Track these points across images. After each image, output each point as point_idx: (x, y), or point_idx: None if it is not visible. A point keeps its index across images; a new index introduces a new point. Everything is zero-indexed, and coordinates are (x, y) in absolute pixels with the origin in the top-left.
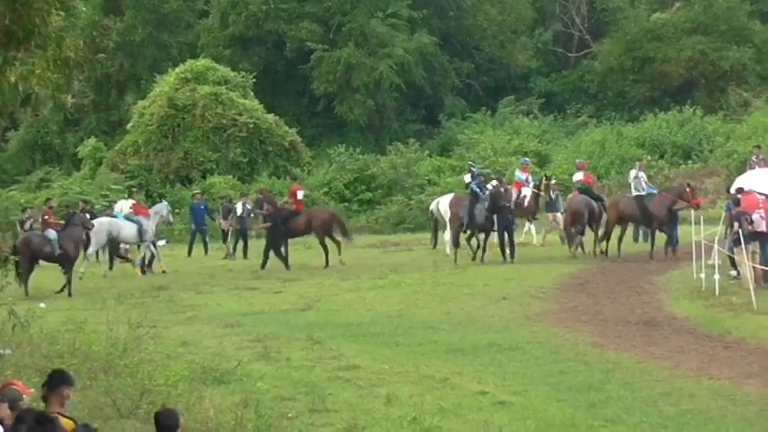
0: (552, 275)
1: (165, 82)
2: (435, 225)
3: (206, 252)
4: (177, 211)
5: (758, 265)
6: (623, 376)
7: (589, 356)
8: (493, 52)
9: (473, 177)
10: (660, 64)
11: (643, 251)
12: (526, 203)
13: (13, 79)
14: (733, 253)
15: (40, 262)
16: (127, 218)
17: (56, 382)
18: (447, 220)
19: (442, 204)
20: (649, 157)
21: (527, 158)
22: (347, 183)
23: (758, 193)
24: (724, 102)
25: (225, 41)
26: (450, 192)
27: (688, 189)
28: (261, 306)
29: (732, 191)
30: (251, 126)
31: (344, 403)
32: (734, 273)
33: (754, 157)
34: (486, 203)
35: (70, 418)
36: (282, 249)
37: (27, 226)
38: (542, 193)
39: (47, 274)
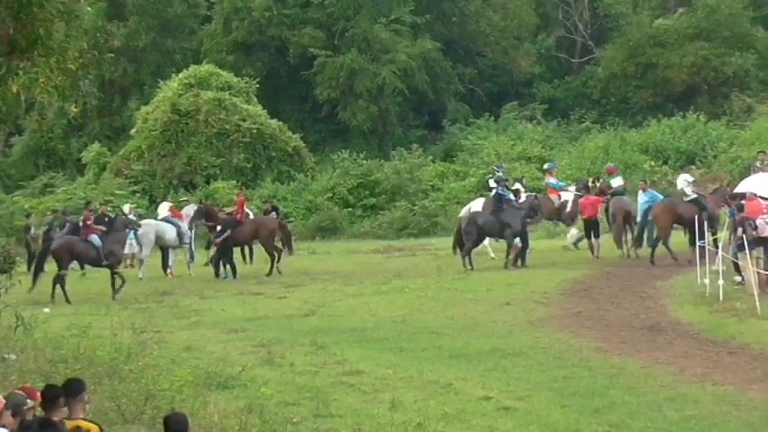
0: (556, 281)
1: (169, 87)
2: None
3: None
4: None
5: (762, 271)
6: (627, 381)
7: (593, 362)
8: (496, 58)
9: (498, 182)
10: (663, 70)
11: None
12: (569, 208)
13: (15, 89)
14: (737, 258)
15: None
16: (165, 221)
17: (75, 389)
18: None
19: (475, 209)
20: (653, 163)
21: (553, 162)
22: (351, 188)
23: (761, 198)
24: (727, 107)
25: (228, 47)
26: (455, 197)
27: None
28: (265, 311)
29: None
30: (254, 131)
31: (348, 408)
32: (738, 278)
33: (758, 163)
34: (516, 209)
35: (93, 422)
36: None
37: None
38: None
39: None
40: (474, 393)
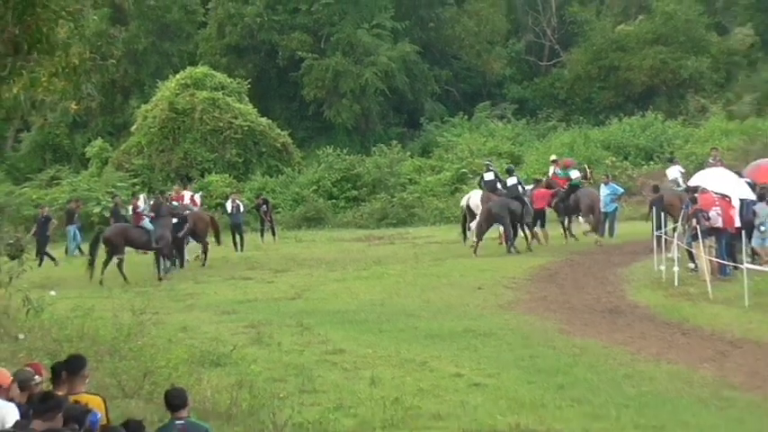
0: (524, 267)
1: (167, 87)
2: (464, 220)
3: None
4: None
5: (714, 259)
6: (589, 360)
7: (557, 342)
8: (470, 61)
9: (497, 176)
10: (624, 72)
11: (607, 244)
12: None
13: (15, 90)
14: (691, 247)
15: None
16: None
17: (76, 365)
18: (478, 213)
19: (473, 200)
20: (614, 159)
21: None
22: (335, 181)
23: (714, 192)
24: (683, 107)
25: (222, 50)
26: (431, 190)
27: None
28: (254, 295)
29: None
30: (246, 129)
31: (331, 384)
32: (692, 265)
33: (711, 159)
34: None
35: (97, 395)
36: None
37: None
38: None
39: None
40: (447, 371)
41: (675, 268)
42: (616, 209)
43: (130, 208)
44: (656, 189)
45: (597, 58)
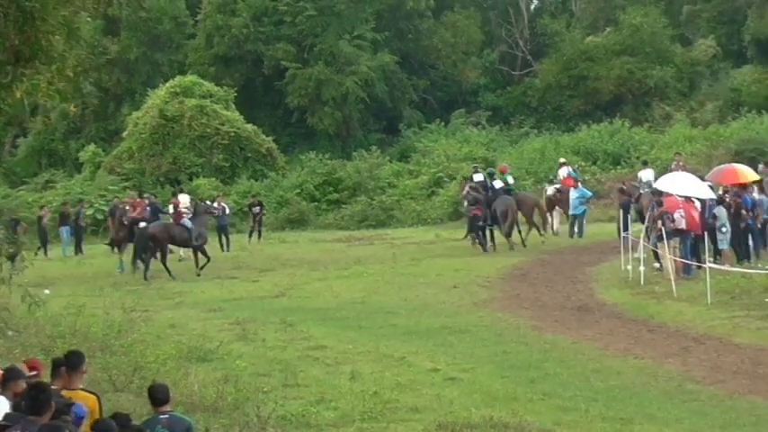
0: (497, 267)
1: (157, 95)
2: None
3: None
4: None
5: (678, 258)
6: (559, 355)
7: (529, 338)
8: (446, 70)
9: (492, 177)
10: (593, 81)
11: (576, 244)
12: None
13: (18, 95)
14: (656, 247)
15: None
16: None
17: (75, 361)
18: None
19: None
20: (583, 163)
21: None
22: (317, 185)
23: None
24: (649, 115)
25: (210, 60)
26: (409, 193)
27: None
28: (240, 293)
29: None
30: (232, 135)
31: (313, 379)
32: (657, 265)
33: (674, 164)
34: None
35: (93, 393)
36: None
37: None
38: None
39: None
40: (424, 366)
41: (642, 268)
42: (585, 211)
43: (171, 207)
44: (622, 191)
45: (567, 68)
